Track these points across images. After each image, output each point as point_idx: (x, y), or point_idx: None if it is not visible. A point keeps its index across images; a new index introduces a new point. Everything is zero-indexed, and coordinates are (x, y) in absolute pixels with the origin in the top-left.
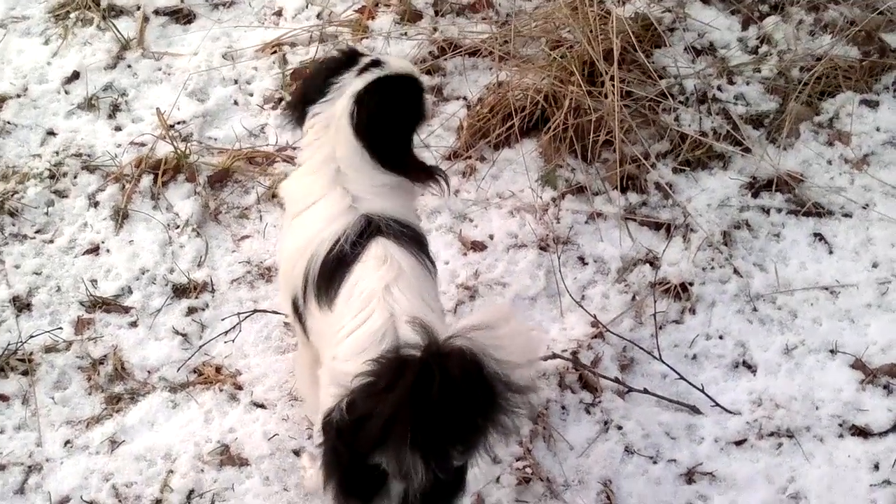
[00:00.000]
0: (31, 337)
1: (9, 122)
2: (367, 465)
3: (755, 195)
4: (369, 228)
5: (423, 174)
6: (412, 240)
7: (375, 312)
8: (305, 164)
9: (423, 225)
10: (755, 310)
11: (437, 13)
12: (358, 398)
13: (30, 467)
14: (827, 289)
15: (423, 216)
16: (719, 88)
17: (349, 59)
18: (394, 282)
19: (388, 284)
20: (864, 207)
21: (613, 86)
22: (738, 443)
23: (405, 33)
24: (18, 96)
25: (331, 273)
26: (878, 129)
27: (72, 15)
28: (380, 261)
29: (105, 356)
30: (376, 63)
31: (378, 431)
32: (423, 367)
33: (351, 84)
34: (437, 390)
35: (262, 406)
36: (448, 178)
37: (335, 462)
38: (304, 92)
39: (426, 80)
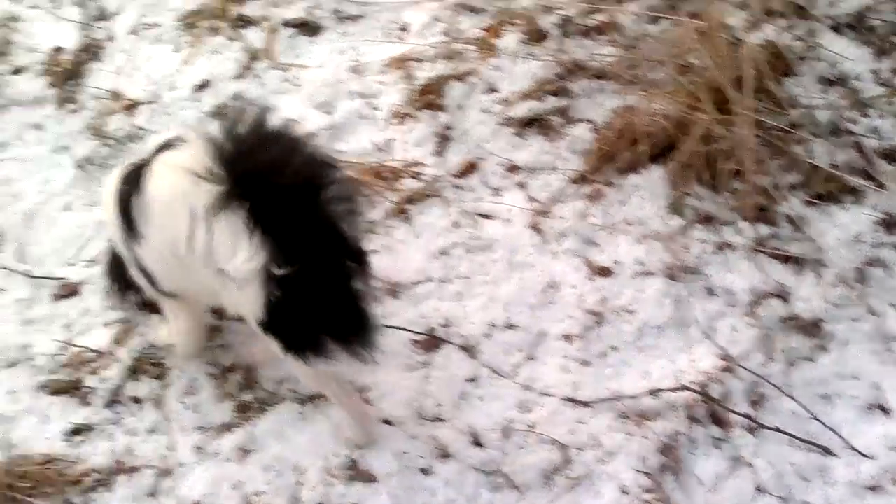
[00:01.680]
0: None
1: (141, 128)
2: None
3: (889, 232)
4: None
5: None
6: None
7: None
8: None
9: (552, 248)
10: (890, 351)
11: (564, 34)
12: None
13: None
14: None
15: (552, 240)
16: (853, 121)
17: None
18: None
19: None
20: None
21: (745, 114)
22: (873, 488)
23: (531, 53)
24: (151, 102)
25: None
26: None
27: (202, 24)
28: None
29: (234, 364)
30: None
31: None
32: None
33: None
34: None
35: (389, 423)
36: None
37: None
38: None
39: (552, 102)
